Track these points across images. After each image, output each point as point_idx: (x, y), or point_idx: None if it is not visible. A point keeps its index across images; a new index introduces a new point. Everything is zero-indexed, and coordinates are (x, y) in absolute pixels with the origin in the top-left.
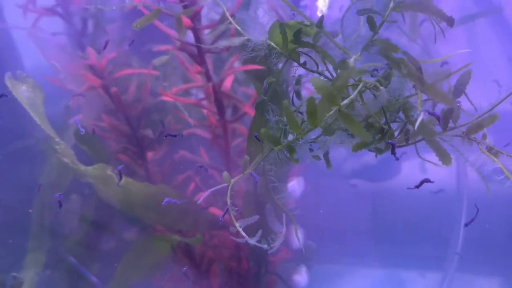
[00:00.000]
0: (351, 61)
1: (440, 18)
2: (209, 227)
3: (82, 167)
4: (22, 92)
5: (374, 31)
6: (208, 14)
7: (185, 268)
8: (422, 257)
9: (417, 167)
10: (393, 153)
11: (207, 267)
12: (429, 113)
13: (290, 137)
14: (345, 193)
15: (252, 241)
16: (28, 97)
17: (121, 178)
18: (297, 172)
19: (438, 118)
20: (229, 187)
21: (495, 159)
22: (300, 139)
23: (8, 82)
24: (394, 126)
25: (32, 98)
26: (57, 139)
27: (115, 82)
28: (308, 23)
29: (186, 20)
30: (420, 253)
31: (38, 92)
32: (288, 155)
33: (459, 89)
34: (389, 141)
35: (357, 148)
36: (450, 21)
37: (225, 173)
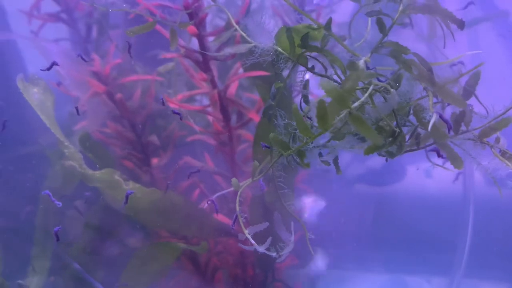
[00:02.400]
0: (361, 62)
1: (451, 20)
2: (214, 233)
3: (90, 171)
4: (33, 94)
5: (384, 33)
6: (213, 21)
7: None
8: (427, 262)
9: (422, 171)
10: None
11: (212, 274)
12: (440, 117)
13: (299, 143)
14: (349, 198)
15: (261, 249)
16: (39, 99)
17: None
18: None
19: (447, 122)
20: (238, 193)
21: (509, 164)
22: (310, 144)
23: (20, 84)
24: (404, 130)
25: (42, 101)
26: (66, 143)
27: (120, 89)
28: (315, 26)
29: (191, 27)
30: (426, 258)
31: (49, 95)
32: (297, 160)
33: (469, 91)
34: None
35: (369, 151)
36: (461, 24)
37: (234, 180)
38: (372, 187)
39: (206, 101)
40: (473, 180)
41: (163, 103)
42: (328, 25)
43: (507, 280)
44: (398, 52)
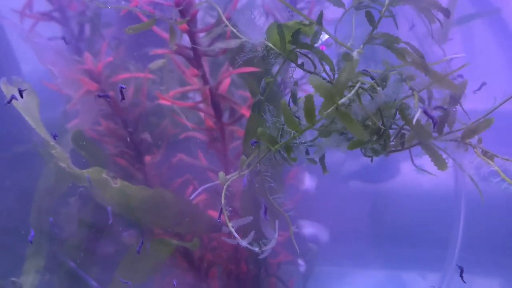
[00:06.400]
0: (355, 54)
1: (437, 9)
2: (207, 229)
3: (78, 171)
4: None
5: (373, 26)
6: (204, 18)
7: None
8: (422, 258)
9: (413, 167)
10: None
11: (206, 270)
12: (425, 112)
13: (287, 138)
14: (344, 195)
15: (244, 243)
16: (24, 102)
17: None
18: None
19: (432, 118)
20: (224, 187)
21: (491, 163)
22: (297, 138)
23: (3, 87)
24: (390, 132)
25: (27, 103)
26: (52, 143)
27: (112, 86)
28: (307, 22)
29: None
30: (420, 254)
31: (34, 97)
32: (285, 155)
33: (455, 98)
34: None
35: (353, 146)
36: (447, 13)
37: (221, 173)
38: (366, 184)
39: (199, 98)
40: (465, 176)
41: (122, 97)
42: (319, 19)
43: (498, 274)
44: (390, 42)
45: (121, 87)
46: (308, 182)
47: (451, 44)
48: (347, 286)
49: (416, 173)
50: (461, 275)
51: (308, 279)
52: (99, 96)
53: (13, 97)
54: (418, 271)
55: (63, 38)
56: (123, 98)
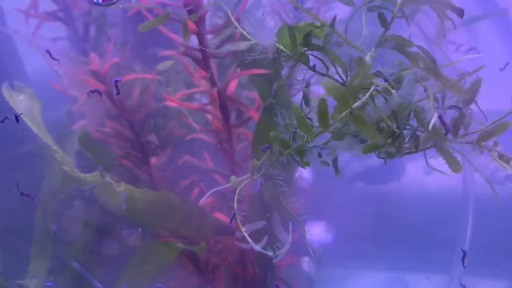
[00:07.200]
0: (367, 58)
1: (450, 9)
2: (214, 232)
3: (82, 175)
4: (19, 102)
5: (386, 27)
6: (211, 19)
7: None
8: (427, 260)
9: (421, 169)
10: None
11: (212, 273)
12: (439, 117)
13: (299, 142)
14: (349, 196)
15: (258, 247)
16: (26, 107)
17: None
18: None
19: (445, 125)
20: (237, 191)
21: (507, 166)
22: (310, 143)
23: (5, 92)
24: (404, 134)
25: (29, 108)
26: (54, 148)
27: (119, 87)
28: (318, 24)
29: (190, 25)
30: (425, 256)
31: (36, 101)
32: (297, 159)
33: (469, 97)
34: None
35: (367, 150)
36: (460, 13)
37: (233, 177)
38: (371, 185)
39: (204, 100)
40: (473, 177)
41: (118, 91)
42: (332, 22)
43: (506, 277)
44: (402, 45)
45: (116, 80)
46: (305, 176)
47: (455, 45)
48: None
49: (421, 174)
50: (463, 260)
51: (313, 281)
52: (92, 92)
53: (5, 118)
54: (422, 273)
55: (48, 52)
56: (118, 93)
